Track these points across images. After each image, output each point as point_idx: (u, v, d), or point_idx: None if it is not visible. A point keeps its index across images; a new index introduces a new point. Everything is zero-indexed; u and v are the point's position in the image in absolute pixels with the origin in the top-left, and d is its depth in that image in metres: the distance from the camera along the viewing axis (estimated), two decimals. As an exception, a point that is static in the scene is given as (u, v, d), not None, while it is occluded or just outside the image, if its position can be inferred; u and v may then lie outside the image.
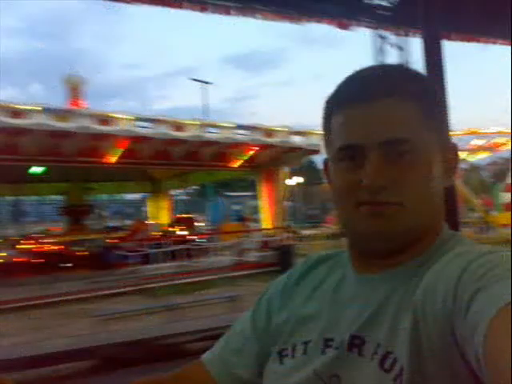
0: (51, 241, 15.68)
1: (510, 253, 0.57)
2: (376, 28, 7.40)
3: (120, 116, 12.32)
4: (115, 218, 28.49)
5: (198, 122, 13.70)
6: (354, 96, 0.68)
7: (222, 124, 14.10)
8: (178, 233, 16.83)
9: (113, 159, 13.39)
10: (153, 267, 13.21)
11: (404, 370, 0.59)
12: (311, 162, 39.63)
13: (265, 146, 14.49)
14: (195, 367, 0.86)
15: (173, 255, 14.21)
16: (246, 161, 15.27)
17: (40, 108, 11.25)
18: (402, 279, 0.67)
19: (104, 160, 13.38)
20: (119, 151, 13.02)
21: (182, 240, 15.44)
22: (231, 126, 14.07)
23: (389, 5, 6.55)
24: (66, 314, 8.92)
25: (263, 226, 16.41)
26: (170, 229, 17.58)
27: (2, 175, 14.35)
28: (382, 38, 7.68)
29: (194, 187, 35.79)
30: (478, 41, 7.56)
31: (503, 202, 22.99)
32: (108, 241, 15.58)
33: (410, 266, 0.68)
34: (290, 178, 24.16)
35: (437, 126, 0.70)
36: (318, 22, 6.69)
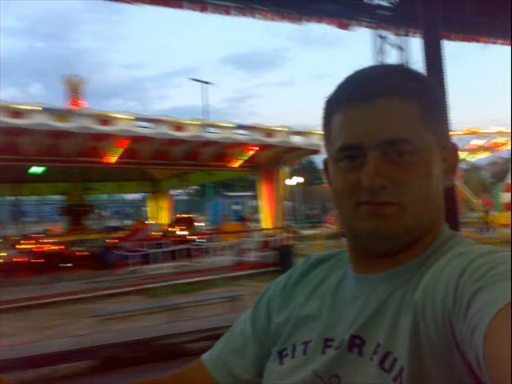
0: (51, 241, 15.63)
1: (509, 253, 0.57)
2: (376, 28, 7.40)
3: (120, 116, 12.28)
4: (115, 218, 28.47)
5: (198, 122, 13.66)
6: (354, 96, 0.68)
7: (222, 124, 14.07)
8: (178, 233, 16.81)
9: (113, 159, 13.37)
10: (153, 267, 13.21)
11: (404, 369, 0.59)
12: (311, 162, 39.75)
13: (265, 146, 14.46)
14: (195, 367, 0.86)
15: (173, 255, 14.20)
16: (245, 161, 15.25)
17: (40, 108, 11.21)
18: (402, 279, 0.67)
19: (104, 160, 13.36)
20: (119, 151, 13.00)
21: (182, 240, 15.41)
22: (231, 126, 14.04)
23: (389, 5, 6.56)
24: (66, 313, 8.91)
25: (263, 226, 16.39)
26: (170, 229, 17.56)
27: (2, 175, 14.34)
28: (382, 38, 7.68)
29: (194, 187, 35.83)
30: (477, 41, 7.57)
31: (503, 202, 23.01)
32: (108, 241, 15.56)
33: (410, 266, 0.68)
34: (290, 178, 24.16)
35: (437, 126, 0.70)
36: (318, 22, 6.70)
